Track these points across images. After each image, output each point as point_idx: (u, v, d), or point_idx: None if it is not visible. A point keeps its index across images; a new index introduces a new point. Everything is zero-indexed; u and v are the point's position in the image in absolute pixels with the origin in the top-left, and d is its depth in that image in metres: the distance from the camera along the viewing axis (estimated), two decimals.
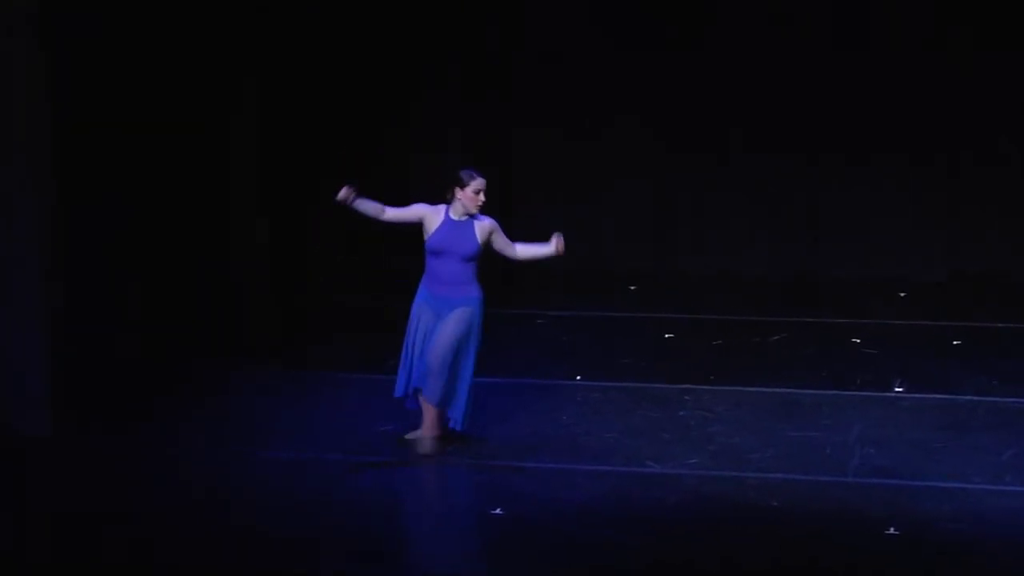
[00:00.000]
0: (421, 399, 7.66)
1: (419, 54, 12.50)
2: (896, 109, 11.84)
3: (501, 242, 7.73)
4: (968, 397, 8.55)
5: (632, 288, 11.78)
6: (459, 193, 7.61)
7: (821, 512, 6.83)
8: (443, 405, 7.61)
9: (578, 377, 9.09)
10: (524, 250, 7.80)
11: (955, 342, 9.95)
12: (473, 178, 7.61)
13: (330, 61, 12.37)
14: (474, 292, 7.67)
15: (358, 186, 7.64)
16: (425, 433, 7.70)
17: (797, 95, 11.95)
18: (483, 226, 7.66)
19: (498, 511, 6.78)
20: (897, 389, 8.66)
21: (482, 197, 7.63)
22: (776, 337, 10.21)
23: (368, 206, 7.63)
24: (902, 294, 11.49)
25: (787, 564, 6.26)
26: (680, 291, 11.42)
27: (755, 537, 6.56)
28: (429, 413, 7.66)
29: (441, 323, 7.59)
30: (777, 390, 8.85)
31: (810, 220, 12.23)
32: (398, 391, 7.75)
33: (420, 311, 7.69)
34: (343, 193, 7.55)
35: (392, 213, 7.70)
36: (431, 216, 7.66)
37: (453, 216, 7.66)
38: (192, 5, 11.32)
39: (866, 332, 10.23)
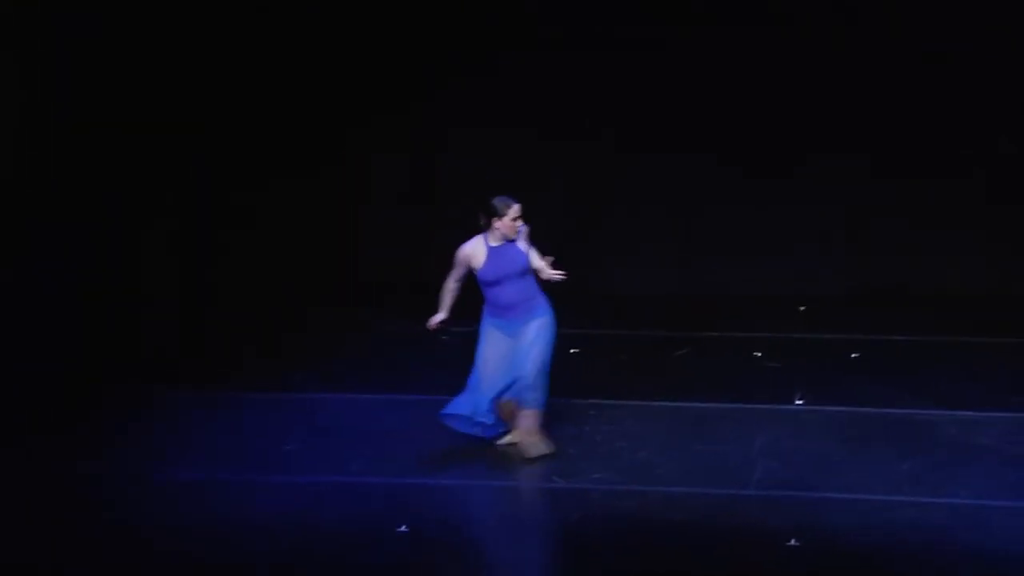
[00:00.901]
0: (509, 408, 7.84)
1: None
2: (794, 126, 11.90)
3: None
4: (867, 409, 8.64)
5: None
6: (497, 223, 7.78)
7: (724, 525, 6.89)
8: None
9: None
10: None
11: (854, 355, 10.02)
12: (509, 206, 7.79)
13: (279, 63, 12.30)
14: (542, 301, 7.89)
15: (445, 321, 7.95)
16: (531, 437, 7.82)
17: (702, 109, 11.97)
18: (522, 236, 7.88)
19: (403, 528, 6.76)
20: (798, 402, 8.73)
21: (520, 223, 7.81)
22: (680, 352, 10.27)
23: (448, 304, 7.90)
24: (802, 308, 11.55)
25: None
26: (584, 307, 11.44)
27: (659, 551, 6.61)
28: (528, 418, 7.81)
29: (522, 339, 7.77)
30: (681, 405, 8.93)
31: (711, 236, 12.28)
32: (460, 409, 7.82)
33: (492, 336, 7.85)
34: (434, 326, 7.89)
35: (455, 284, 7.91)
36: (474, 252, 7.84)
37: (493, 243, 7.82)
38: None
39: (767, 346, 10.29)
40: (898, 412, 8.56)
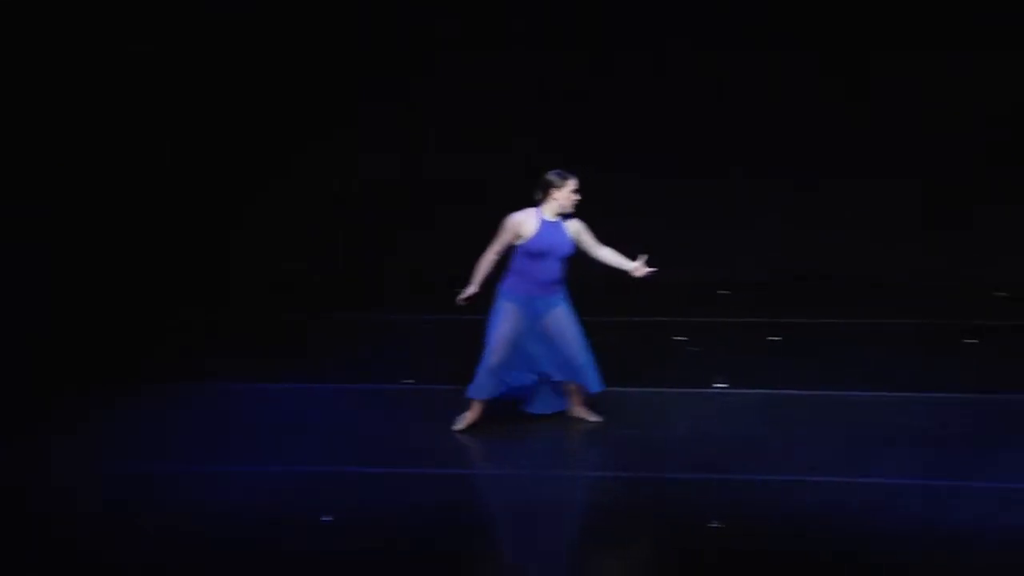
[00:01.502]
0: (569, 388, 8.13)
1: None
2: (722, 122, 12.24)
3: (589, 242, 8.07)
4: (787, 391, 8.79)
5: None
6: (556, 194, 7.87)
7: (646, 508, 7.00)
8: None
9: (410, 381, 9.17)
10: (608, 255, 8.09)
11: (774, 338, 10.18)
12: (567, 178, 7.90)
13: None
14: (563, 289, 8.07)
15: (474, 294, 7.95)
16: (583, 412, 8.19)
17: (638, 107, 12.30)
18: (572, 226, 7.99)
19: (328, 518, 6.77)
20: (719, 385, 8.84)
21: (578, 195, 7.90)
22: (602, 338, 10.37)
23: (481, 277, 7.92)
24: (724, 293, 11.76)
25: (610, 560, 6.42)
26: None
27: (579, 534, 6.77)
28: (578, 396, 8.17)
29: (554, 324, 7.95)
30: (605, 390, 8.80)
31: (632, 222, 12.43)
32: (481, 394, 7.93)
33: (513, 315, 7.91)
34: (464, 300, 7.91)
35: (494, 255, 7.93)
36: (526, 222, 7.88)
37: (548, 217, 7.90)
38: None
39: (689, 331, 10.46)
40: (817, 393, 8.71)
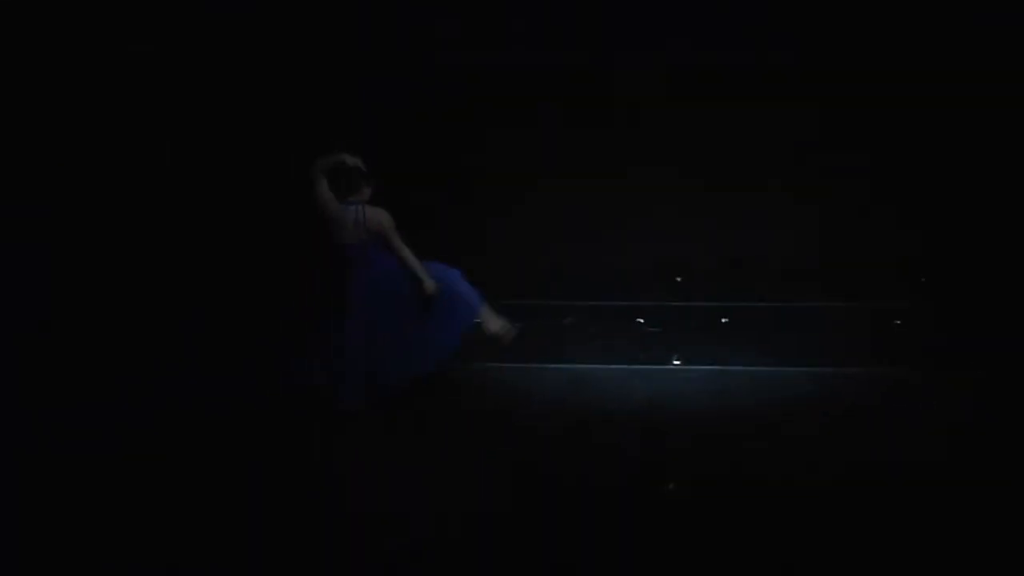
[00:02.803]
0: None
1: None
2: (669, 122, 12.87)
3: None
4: (734, 367, 9.34)
5: None
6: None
7: (608, 469, 7.52)
8: None
9: None
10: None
11: (723, 320, 10.76)
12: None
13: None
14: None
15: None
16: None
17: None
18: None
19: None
20: (675, 362, 9.39)
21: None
22: (568, 320, 10.88)
23: None
24: (678, 279, 12.39)
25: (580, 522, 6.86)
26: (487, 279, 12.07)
27: (547, 484, 7.29)
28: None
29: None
30: (571, 367, 9.54)
31: (598, 218, 13.08)
32: None
33: None
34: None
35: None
36: None
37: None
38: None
39: (648, 313, 11.04)
40: (759, 369, 9.25)
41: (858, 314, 10.94)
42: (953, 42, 12.40)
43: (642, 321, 10.80)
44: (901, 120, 12.85)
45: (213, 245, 12.71)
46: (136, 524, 6.82)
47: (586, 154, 13.14)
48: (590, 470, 7.43)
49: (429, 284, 8.13)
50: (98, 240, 12.21)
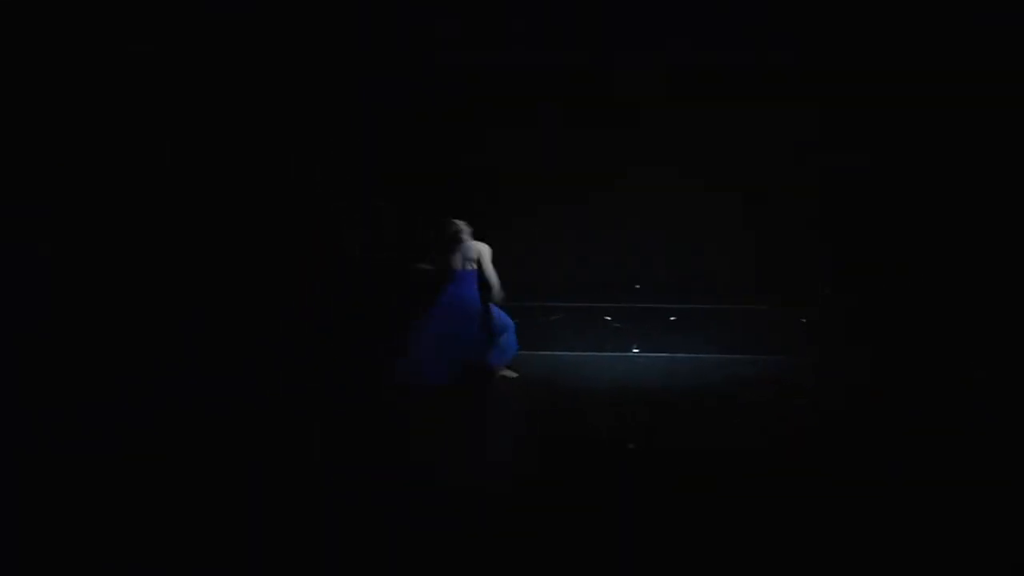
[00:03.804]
0: None
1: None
2: (616, 143, 13.23)
3: None
4: (681, 355, 10.92)
5: None
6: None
7: (577, 433, 8.58)
8: None
9: None
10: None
11: (672, 318, 12.26)
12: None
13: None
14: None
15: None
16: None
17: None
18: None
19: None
20: (634, 351, 10.92)
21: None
22: (555, 317, 12.51)
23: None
24: (637, 286, 13.32)
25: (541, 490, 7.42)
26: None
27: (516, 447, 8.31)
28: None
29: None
30: (551, 353, 11.30)
31: (575, 237, 13.54)
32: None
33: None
34: None
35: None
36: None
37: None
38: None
39: (614, 313, 12.57)
40: (701, 356, 10.79)
41: (785, 314, 12.32)
42: (953, 42, 12.52)
43: (609, 318, 12.48)
44: (901, 120, 12.99)
45: (213, 245, 12.79)
46: (136, 524, 6.88)
47: (586, 154, 13.33)
48: (572, 432, 8.57)
49: (497, 294, 9.81)
50: (98, 240, 12.25)
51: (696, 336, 11.59)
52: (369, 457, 7.88)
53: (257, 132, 12.81)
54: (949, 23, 12.31)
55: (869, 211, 13.28)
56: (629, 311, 12.36)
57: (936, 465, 7.79)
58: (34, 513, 6.93)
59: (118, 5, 11.98)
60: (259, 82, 12.70)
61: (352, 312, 11.15)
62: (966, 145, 12.79)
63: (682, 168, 13.34)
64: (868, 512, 6.93)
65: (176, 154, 12.52)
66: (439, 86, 13.01)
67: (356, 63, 12.85)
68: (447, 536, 6.40)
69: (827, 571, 6.49)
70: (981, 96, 12.42)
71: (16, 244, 11.35)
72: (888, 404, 9.25)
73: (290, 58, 12.67)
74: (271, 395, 9.40)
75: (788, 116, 13.01)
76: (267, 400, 9.26)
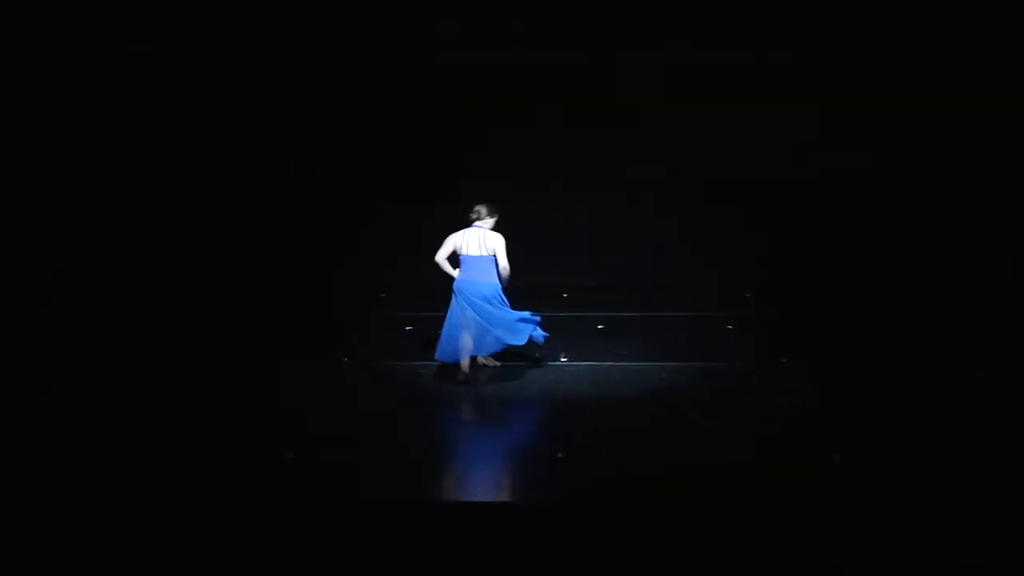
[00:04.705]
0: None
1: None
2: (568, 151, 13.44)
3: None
4: (608, 363, 10.72)
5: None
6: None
7: (511, 444, 8.84)
8: None
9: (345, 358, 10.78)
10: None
11: (599, 327, 12.04)
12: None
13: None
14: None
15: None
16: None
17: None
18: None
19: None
20: (563, 359, 10.73)
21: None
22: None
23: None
24: (565, 295, 13.42)
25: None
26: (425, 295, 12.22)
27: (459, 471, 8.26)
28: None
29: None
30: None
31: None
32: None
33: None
34: None
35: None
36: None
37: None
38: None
39: (542, 322, 12.01)
40: (628, 364, 10.65)
41: (705, 320, 12.36)
42: (953, 42, 12.53)
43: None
44: (901, 120, 13.06)
45: (213, 244, 12.78)
46: (136, 524, 6.89)
47: (586, 154, 13.41)
48: (505, 439, 8.94)
49: (504, 283, 10.14)
50: (98, 240, 12.30)
51: (625, 343, 11.54)
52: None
53: (257, 132, 12.91)
54: (949, 23, 12.33)
55: (869, 211, 13.30)
56: (557, 320, 11.95)
57: (936, 465, 7.79)
58: (34, 513, 6.94)
59: (118, 5, 12.04)
60: (259, 82, 12.83)
61: (353, 312, 11.09)
62: (966, 145, 12.82)
63: (682, 168, 13.44)
64: (868, 512, 6.97)
65: (176, 154, 12.43)
66: (439, 86, 13.05)
67: (356, 63, 12.95)
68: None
69: (827, 571, 6.49)
70: (981, 96, 12.44)
71: (16, 244, 11.34)
72: (888, 404, 9.28)
73: (290, 58, 12.80)
74: (270, 395, 9.34)
75: (788, 116, 13.02)
76: (267, 400, 9.21)
